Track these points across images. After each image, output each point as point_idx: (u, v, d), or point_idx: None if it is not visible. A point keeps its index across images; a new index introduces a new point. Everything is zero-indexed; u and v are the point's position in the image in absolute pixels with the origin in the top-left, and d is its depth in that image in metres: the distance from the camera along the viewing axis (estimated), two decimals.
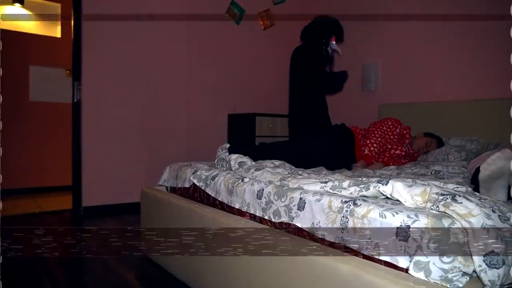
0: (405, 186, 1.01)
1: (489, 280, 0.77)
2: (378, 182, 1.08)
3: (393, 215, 0.92)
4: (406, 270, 0.86)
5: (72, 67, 3.00)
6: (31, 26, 4.24)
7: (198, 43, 3.50)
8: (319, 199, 1.13)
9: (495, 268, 0.77)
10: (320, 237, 1.10)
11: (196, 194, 1.79)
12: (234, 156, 1.78)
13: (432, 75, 2.88)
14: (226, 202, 1.54)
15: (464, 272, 0.81)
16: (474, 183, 1.29)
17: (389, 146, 2.25)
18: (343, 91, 3.00)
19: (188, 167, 1.91)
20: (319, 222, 1.11)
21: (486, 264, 0.77)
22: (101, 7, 3.01)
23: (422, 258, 0.82)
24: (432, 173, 1.81)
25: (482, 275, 0.78)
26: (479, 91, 2.57)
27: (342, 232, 1.03)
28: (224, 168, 1.83)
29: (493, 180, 1.17)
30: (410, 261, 0.84)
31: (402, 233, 0.88)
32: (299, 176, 1.39)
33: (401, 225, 0.89)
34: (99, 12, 3.00)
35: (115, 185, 3.11)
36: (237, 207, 1.47)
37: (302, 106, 2.51)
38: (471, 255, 0.80)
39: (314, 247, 1.06)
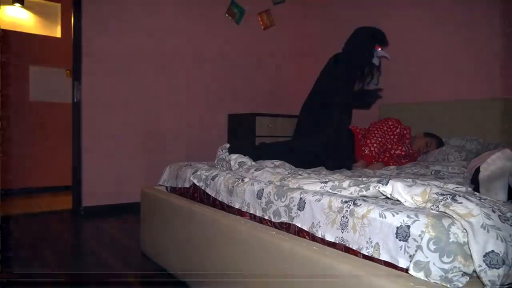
0: (405, 186, 1.01)
1: (489, 280, 0.77)
2: (378, 182, 1.08)
3: (393, 215, 0.92)
4: (406, 270, 0.86)
5: (72, 67, 3.00)
6: (31, 26, 4.24)
7: (198, 43, 3.50)
8: (319, 199, 1.13)
9: (495, 268, 0.77)
10: (320, 237, 1.10)
11: (196, 194, 1.79)
12: (234, 156, 1.78)
13: (432, 75, 2.88)
14: (226, 202, 1.54)
15: (464, 272, 0.81)
16: (474, 183, 1.29)
17: (389, 146, 2.25)
18: None
19: (188, 167, 1.91)
20: (319, 222, 1.11)
21: (486, 264, 0.77)
22: (101, 7, 3.01)
23: (422, 258, 0.82)
24: (432, 173, 1.81)
25: (482, 275, 0.78)
26: (479, 91, 2.57)
27: (342, 232, 1.03)
28: (224, 168, 1.83)
29: (493, 180, 1.17)
30: (410, 261, 0.84)
31: (402, 233, 0.88)
32: (299, 176, 1.39)
33: (401, 225, 0.89)
34: (99, 12, 3.00)
35: (115, 185, 3.11)
36: (237, 207, 1.47)
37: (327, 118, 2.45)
38: (471, 255, 0.79)
39: (314, 247, 1.06)
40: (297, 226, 1.19)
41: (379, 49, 2.57)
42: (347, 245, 1.01)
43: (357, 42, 2.55)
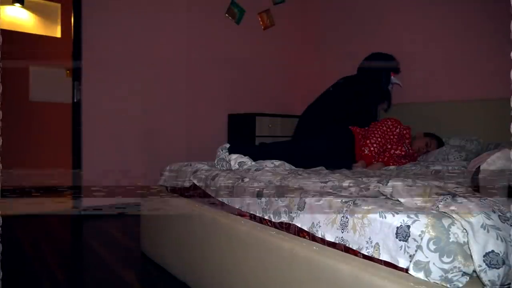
0: (405, 186, 1.01)
1: (489, 280, 0.77)
2: (378, 182, 1.08)
3: (393, 215, 0.92)
4: (406, 270, 0.86)
5: (72, 67, 3.00)
6: (31, 26, 4.24)
7: (198, 43, 3.50)
8: (319, 199, 1.13)
9: (495, 268, 0.77)
10: (320, 237, 1.10)
11: (196, 194, 1.79)
12: (234, 156, 1.78)
13: (432, 75, 2.88)
14: (226, 202, 1.54)
15: (464, 272, 0.81)
16: (474, 183, 1.29)
17: (389, 146, 2.25)
18: None
19: (188, 167, 1.91)
20: (319, 222, 1.11)
21: (486, 264, 0.77)
22: (101, 7, 3.01)
23: (422, 258, 0.82)
24: (432, 173, 1.81)
25: (482, 275, 0.78)
26: (479, 91, 2.57)
27: (342, 232, 1.03)
28: (224, 168, 1.83)
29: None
30: (410, 261, 0.84)
31: (402, 233, 0.88)
32: (299, 176, 1.39)
33: (401, 225, 0.89)
34: (99, 12, 3.00)
35: (115, 185, 3.11)
36: (237, 207, 1.47)
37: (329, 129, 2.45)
38: (471, 255, 0.80)
39: (314, 247, 1.06)
40: (297, 226, 1.19)
41: (393, 76, 2.61)
42: (347, 245, 1.01)
43: (374, 68, 2.60)
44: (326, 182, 1.22)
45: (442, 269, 0.80)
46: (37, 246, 2.24)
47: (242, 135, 3.51)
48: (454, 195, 0.90)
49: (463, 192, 1.02)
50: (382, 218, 0.93)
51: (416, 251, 0.84)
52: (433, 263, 0.81)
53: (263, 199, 1.34)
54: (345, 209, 1.04)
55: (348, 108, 2.50)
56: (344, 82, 2.66)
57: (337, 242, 1.04)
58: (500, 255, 0.78)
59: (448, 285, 0.80)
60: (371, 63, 2.66)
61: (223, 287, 1.40)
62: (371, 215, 0.96)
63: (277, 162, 1.76)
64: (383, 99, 2.68)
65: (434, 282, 0.81)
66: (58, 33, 4.34)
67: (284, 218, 1.24)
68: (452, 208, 0.86)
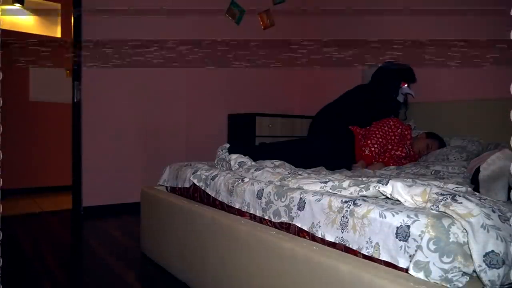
0: (405, 186, 1.01)
1: (489, 280, 0.77)
2: (378, 182, 1.08)
3: (393, 215, 0.92)
4: (406, 270, 0.86)
5: (72, 67, 3.00)
6: (31, 26, 4.24)
7: (198, 43, 3.50)
8: (319, 199, 1.13)
9: (495, 268, 0.77)
10: (320, 237, 1.10)
11: (196, 194, 1.79)
12: (234, 156, 1.78)
13: (432, 75, 2.88)
14: (226, 202, 1.54)
15: (464, 272, 0.81)
16: (474, 183, 1.29)
17: (390, 147, 2.25)
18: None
19: (188, 167, 1.91)
20: (319, 222, 1.11)
21: (486, 264, 0.77)
22: (101, 7, 3.00)
23: (422, 258, 0.82)
24: (432, 173, 1.81)
25: (482, 275, 0.78)
26: (479, 91, 2.57)
27: (342, 232, 1.03)
28: (224, 168, 1.83)
29: (493, 180, 1.17)
30: (410, 261, 0.84)
31: (402, 233, 0.88)
32: (299, 176, 1.39)
33: (401, 225, 0.89)
34: (99, 12, 3.00)
35: (115, 185, 3.11)
36: (237, 207, 1.47)
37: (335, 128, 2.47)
38: (471, 255, 0.80)
39: (314, 247, 1.06)
40: (297, 226, 1.19)
41: (405, 85, 2.61)
42: (347, 245, 1.01)
43: (383, 77, 2.60)
44: (326, 182, 1.22)
45: (442, 269, 0.80)
46: (37, 246, 2.24)
47: (242, 135, 3.51)
48: (454, 195, 0.90)
49: (463, 192, 1.02)
50: (382, 218, 0.93)
51: (416, 251, 0.84)
52: (433, 263, 0.81)
53: (263, 199, 1.34)
54: (345, 209, 1.04)
55: (358, 116, 2.52)
56: (357, 90, 2.68)
57: (337, 242, 1.04)
58: (500, 255, 0.78)
59: (448, 285, 0.80)
60: (383, 72, 2.67)
61: (223, 286, 1.40)
62: (371, 215, 0.96)
63: (277, 162, 1.76)
64: (393, 108, 2.68)
65: (434, 282, 0.81)
66: (58, 33, 4.33)
67: (284, 218, 1.24)
68: (452, 208, 0.86)
